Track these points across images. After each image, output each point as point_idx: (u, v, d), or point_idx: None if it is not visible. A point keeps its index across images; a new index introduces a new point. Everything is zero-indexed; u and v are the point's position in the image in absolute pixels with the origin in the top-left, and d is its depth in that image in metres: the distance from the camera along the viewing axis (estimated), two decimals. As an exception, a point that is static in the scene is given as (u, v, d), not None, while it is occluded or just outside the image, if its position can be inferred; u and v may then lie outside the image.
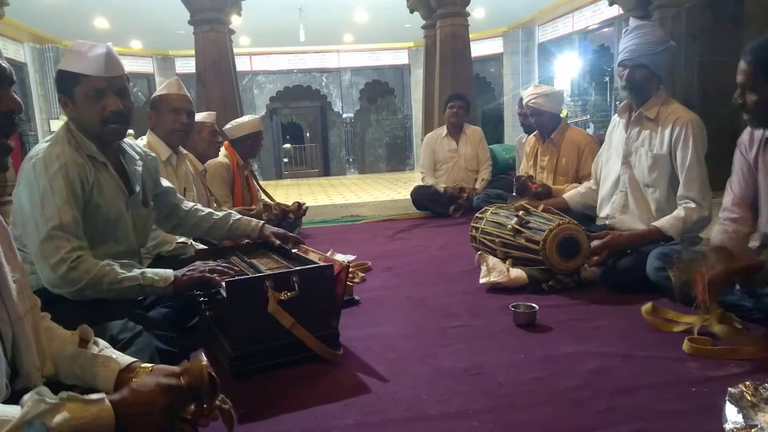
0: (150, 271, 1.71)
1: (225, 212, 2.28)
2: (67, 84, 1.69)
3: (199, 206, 2.23)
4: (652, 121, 2.49)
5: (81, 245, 1.61)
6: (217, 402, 1.04)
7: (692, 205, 2.33)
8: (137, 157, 1.92)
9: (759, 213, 1.93)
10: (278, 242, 2.14)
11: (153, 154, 2.07)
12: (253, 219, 2.27)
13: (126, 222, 1.80)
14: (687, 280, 1.79)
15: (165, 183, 2.12)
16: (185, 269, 1.77)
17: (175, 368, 1.05)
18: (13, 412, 0.82)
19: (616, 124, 2.72)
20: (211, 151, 3.31)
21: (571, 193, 3.06)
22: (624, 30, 2.57)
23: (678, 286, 1.84)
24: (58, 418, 0.84)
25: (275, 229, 2.22)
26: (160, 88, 2.69)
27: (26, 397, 0.84)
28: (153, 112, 2.62)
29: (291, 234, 2.21)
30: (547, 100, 3.62)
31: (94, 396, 0.90)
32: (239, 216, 2.26)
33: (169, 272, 1.74)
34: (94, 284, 1.60)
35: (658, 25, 2.49)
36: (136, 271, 1.68)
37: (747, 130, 1.96)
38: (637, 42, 2.42)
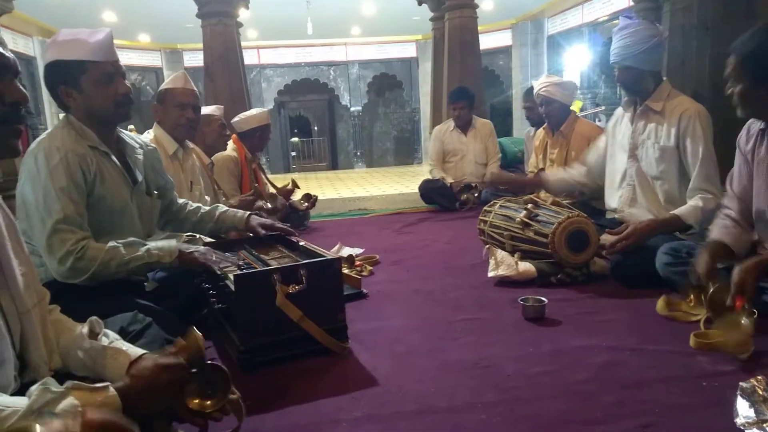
0: (154, 247, 1.73)
1: (212, 206, 2.28)
2: (70, 74, 1.66)
3: (189, 202, 2.24)
4: (658, 114, 2.48)
5: (85, 235, 1.63)
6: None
7: (709, 195, 2.32)
8: (137, 146, 1.92)
9: (752, 206, 1.91)
10: (264, 232, 2.13)
11: (153, 146, 2.07)
12: (239, 210, 2.26)
13: (132, 212, 1.81)
14: (717, 297, 1.71)
15: (167, 177, 2.13)
16: (193, 247, 1.81)
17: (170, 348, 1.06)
18: (20, 402, 0.82)
19: (620, 117, 2.71)
20: (219, 144, 3.32)
21: (549, 174, 3.20)
22: (613, 30, 2.58)
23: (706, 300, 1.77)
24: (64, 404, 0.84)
25: (262, 219, 2.21)
26: (167, 81, 2.69)
27: (33, 388, 0.85)
28: (159, 106, 2.62)
29: (280, 225, 2.20)
30: (559, 89, 3.63)
31: (98, 384, 0.91)
32: (225, 208, 2.26)
33: (173, 245, 1.76)
34: (103, 269, 1.63)
35: (643, 22, 2.49)
36: (142, 249, 1.71)
37: (746, 126, 1.96)
38: (621, 45, 2.47)
